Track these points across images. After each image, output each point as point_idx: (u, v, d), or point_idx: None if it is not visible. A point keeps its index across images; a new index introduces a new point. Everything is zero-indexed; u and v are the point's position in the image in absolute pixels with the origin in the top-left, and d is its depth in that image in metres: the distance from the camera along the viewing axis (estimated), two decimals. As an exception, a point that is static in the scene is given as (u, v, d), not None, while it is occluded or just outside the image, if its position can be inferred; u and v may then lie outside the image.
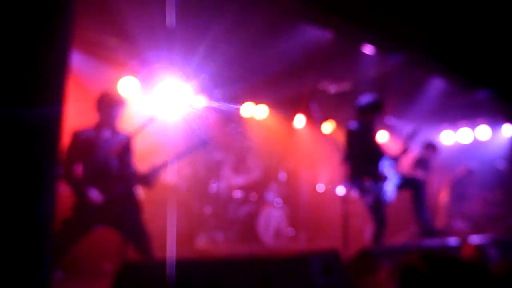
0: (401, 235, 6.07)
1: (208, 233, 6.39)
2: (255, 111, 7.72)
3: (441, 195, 7.09)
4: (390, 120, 6.42)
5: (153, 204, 5.54)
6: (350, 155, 4.54)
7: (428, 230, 4.57)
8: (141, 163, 3.66)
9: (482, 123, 7.93)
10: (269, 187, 7.17)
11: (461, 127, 8.20)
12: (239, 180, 7.06)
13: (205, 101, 7.20)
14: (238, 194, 6.90)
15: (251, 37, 5.81)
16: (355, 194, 7.25)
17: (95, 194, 3.28)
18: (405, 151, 4.69)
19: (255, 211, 6.70)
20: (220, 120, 7.46)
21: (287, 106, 8.02)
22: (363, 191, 4.51)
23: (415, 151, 6.40)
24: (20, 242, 1.69)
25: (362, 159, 4.49)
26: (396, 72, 6.34)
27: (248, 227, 6.58)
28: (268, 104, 7.80)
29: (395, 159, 4.63)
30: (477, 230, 6.20)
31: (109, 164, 3.42)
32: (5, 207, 1.65)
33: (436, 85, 6.92)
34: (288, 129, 8.33)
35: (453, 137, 8.35)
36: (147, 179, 3.53)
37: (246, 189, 7.02)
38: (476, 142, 8.05)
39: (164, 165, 3.57)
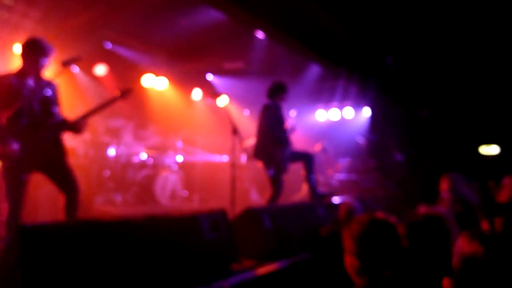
0: (295, 196, 6.52)
1: (107, 195, 6.19)
2: (155, 82, 7.53)
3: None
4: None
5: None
6: (264, 129, 4.81)
7: (315, 193, 5.11)
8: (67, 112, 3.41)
9: (348, 105, 8.80)
10: (166, 153, 7.12)
11: (332, 107, 9.00)
12: (139, 145, 6.88)
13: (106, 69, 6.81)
14: (136, 159, 6.73)
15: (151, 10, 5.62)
16: (244, 161, 7.56)
17: (15, 146, 2.94)
18: (292, 130, 5.11)
19: (153, 174, 6.62)
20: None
21: (186, 79, 7.96)
22: (269, 160, 4.80)
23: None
24: None
25: (274, 133, 4.81)
26: (282, 56, 6.66)
27: (145, 190, 6.49)
28: (168, 77, 7.66)
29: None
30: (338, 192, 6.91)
31: (34, 112, 3.10)
32: None
33: (314, 70, 7.46)
34: (186, 101, 8.30)
35: (325, 115, 9.13)
36: (76, 127, 3.30)
37: (145, 154, 6.87)
38: (343, 120, 8.93)
39: (89, 114, 3.35)
